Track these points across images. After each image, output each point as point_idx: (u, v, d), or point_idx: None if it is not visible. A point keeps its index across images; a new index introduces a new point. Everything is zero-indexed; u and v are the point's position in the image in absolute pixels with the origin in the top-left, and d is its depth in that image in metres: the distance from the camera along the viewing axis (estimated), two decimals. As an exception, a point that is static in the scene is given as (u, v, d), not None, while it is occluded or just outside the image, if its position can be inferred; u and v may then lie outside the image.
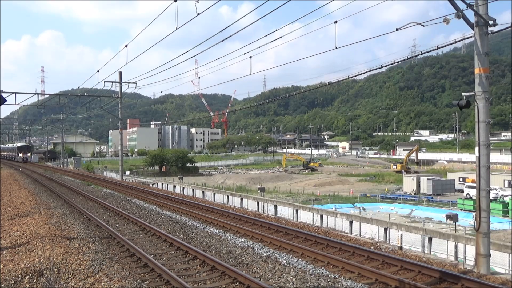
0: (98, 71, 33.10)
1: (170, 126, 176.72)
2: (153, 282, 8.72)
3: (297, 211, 30.92)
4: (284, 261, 9.92)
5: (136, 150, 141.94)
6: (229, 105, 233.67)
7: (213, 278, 8.93)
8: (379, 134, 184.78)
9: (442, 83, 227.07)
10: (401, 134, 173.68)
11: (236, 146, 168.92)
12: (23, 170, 48.32)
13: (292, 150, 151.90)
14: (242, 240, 12.24)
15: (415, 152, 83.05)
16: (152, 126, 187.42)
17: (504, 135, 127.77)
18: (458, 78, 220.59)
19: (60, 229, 13.43)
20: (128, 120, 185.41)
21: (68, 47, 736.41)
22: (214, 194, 42.05)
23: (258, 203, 35.24)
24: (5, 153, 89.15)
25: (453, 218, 25.84)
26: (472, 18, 11.31)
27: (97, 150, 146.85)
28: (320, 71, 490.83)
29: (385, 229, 23.33)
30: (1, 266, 9.66)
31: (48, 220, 15.07)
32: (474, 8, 11.07)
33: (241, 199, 37.46)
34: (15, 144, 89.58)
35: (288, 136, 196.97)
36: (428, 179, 55.40)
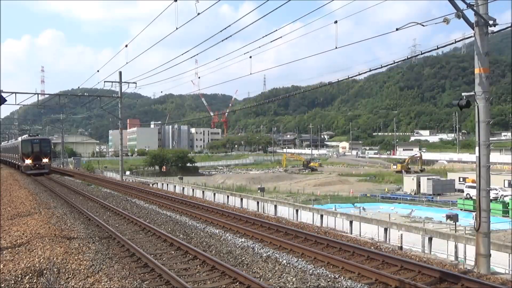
0: (98, 71, 33.18)
1: (170, 126, 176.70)
2: (153, 282, 8.72)
3: (297, 211, 30.90)
4: (284, 261, 9.92)
5: (136, 150, 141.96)
6: (230, 105, 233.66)
7: (213, 278, 8.93)
8: (379, 134, 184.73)
9: (442, 83, 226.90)
10: (401, 134, 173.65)
11: (236, 146, 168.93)
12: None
13: (292, 150, 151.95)
14: (242, 240, 12.25)
15: (419, 159, 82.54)
16: (152, 126, 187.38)
17: (504, 135, 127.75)
18: (458, 78, 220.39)
19: (60, 229, 13.43)
20: (128, 120, 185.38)
21: (68, 47, 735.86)
22: (214, 194, 42.02)
23: (258, 203, 35.22)
24: None
25: (453, 218, 25.83)
26: (472, 18, 11.31)
27: (97, 150, 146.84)
28: (320, 71, 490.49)
29: (385, 229, 23.30)
30: (1, 266, 9.66)
31: (48, 220, 15.07)
32: (474, 8, 11.06)
33: (241, 199, 37.43)
34: None
35: (288, 136, 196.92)
36: (428, 179, 55.40)
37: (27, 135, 44.79)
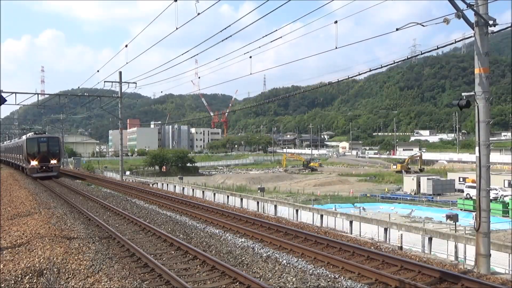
0: (98, 71, 33.14)
1: (170, 126, 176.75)
2: (153, 282, 8.72)
3: (297, 211, 30.89)
4: (284, 261, 9.92)
5: (136, 150, 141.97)
6: (230, 105, 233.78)
7: (213, 278, 8.94)
8: (379, 134, 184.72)
9: (442, 83, 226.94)
10: (401, 134, 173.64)
11: (236, 146, 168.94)
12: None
13: (292, 150, 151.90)
14: (242, 240, 12.25)
15: (419, 158, 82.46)
16: (152, 126, 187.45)
17: (504, 135, 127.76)
18: (458, 78, 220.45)
19: (60, 229, 13.42)
20: (128, 120, 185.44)
21: (68, 47, 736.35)
22: (214, 194, 42.01)
23: (258, 203, 35.20)
24: None
25: (453, 218, 25.82)
26: (472, 18, 11.31)
27: (97, 150, 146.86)
28: (320, 71, 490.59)
29: (385, 229, 23.29)
30: (1, 266, 9.66)
31: (48, 220, 15.06)
32: (474, 8, 11.07)
33: (241, 199, 37.41)
34: None
35: (288, 136, 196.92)
36: (428, 179, 55.40)
37: (32, 133, 39.53)
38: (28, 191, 25.18)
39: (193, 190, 45.48)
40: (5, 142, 64.00)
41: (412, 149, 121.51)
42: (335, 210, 32.36)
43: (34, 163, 33.88)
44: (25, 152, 34.61)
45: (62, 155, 39.84)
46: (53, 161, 34.74)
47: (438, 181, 55.53)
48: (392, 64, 17.06)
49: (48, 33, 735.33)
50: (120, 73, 38.32)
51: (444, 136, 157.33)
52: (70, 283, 8.36)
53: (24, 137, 38.95)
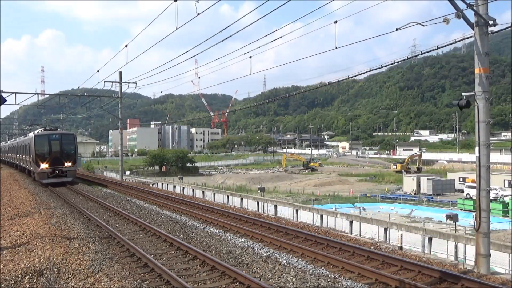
0: (98, 71, 33.04)
1: (170, 126, 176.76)
2: (153, 282, 8.72)
3: (297, 211, 30.89)
4: (284, 261, 9.92)
5: (136, 150, 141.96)
6: (230, 105, 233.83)
7: (213, 278, 8.94)
8: (379, 134, 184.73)
9: (442, 83, 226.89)
10: (401, 134, 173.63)
11: (236, 146, 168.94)
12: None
13: (292, 150, 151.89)
14: (242, 240, 12.25)
15: (418, 157, 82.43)
16: (152, 126, 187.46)
17: (504, 135, 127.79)
18: (458, 78, 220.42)
19: (60, 229, 13.42)
20: (128, 120, 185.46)
21: (68, 47, 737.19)
22: (214, 194, 42.00)
23: (258, 203, 35.20)
24: None
25: (453, 218, 25.82)
26: (472, 18, 11.31)
27: (97, 150, 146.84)
28: (320, 71, 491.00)
29: (385, 229, 23.29)
30: (1, 266, 9.66)
31: (48, 220, 15.06)
32: (474, 8, 11.06)
33: (241, 199, 37.41)
34: None
35: (288, 136, 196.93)
36: (428, 179, 55.40)
37: (42, 129, 33.35)
38: (28, 191, 25.18)
39: (193, 190, 45.47)
40: (8, 141, 58.74)
41: (412, 149, 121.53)
42: (335, 210, 32.35)
43: (44, 166, 28.23)
44: (33, 153, 28.76)
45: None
46: (68, 164, 28.95)
47: (438, 181, 55.52)
48: (392, 64, 17.06)
49: (48, 33, 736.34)
50: (120, 73, 38.32)
51: (444, 136, 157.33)
52: (70, 283, 8.36)
53: (31, 134, 33.03)
